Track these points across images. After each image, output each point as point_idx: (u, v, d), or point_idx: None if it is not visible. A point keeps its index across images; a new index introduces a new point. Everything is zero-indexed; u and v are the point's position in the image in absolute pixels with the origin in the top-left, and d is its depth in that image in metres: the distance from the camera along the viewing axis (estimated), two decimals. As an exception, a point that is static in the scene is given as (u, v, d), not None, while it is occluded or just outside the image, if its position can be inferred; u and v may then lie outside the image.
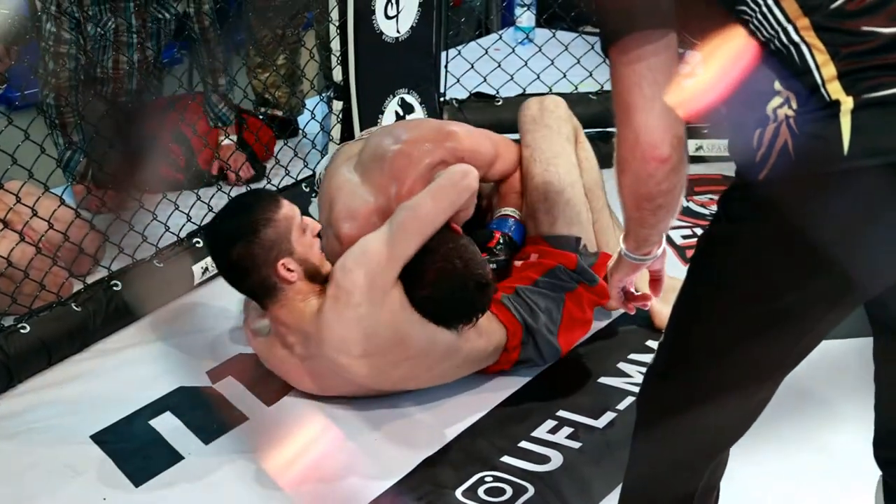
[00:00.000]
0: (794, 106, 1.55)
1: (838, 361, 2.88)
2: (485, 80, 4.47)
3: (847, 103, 1.51)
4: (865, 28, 1.53)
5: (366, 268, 2.71)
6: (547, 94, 3.67)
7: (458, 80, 4.43)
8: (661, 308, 3.04)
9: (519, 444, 2.75)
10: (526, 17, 5.64)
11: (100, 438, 2.81)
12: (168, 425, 2.86)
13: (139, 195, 3.65)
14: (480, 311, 2.80)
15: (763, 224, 1.60)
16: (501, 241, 3.09)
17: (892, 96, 1.50)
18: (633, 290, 2.06)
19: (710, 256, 1.74)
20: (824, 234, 1.54)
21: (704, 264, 1.76)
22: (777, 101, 1.57)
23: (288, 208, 2.81)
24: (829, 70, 1.53)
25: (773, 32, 1.58)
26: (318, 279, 2.82)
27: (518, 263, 3.11)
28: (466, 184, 2.89)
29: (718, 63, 1.62)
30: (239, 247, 2.77)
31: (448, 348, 2.83)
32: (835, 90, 1.52)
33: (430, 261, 2.76)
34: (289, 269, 2.76)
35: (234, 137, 4.21)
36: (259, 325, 2.95)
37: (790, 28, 1.56)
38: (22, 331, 3.05)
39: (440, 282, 2.74)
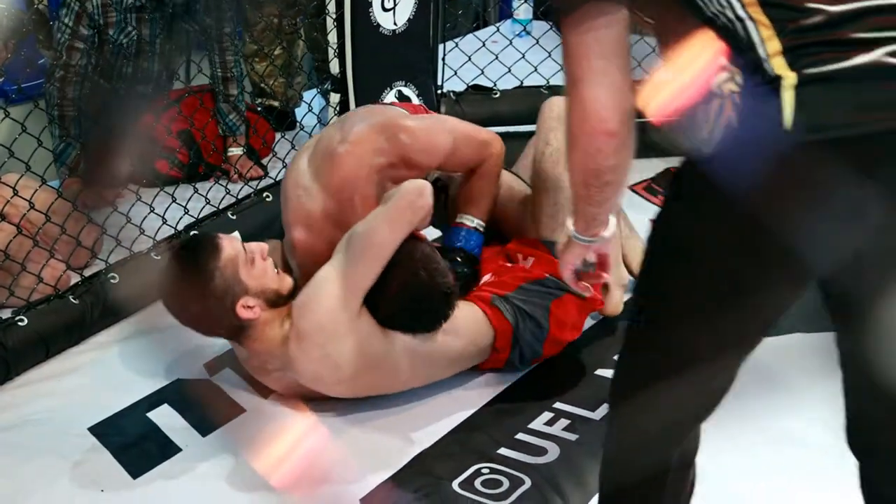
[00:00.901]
0: (739, 81, 1.55)
1: (818, 355, 2.89)
2: (482, 73, 4.47)
3: (790, 79, 1.50)
4: (811, 5, 1.53)
5: (325, 306, 2.68)
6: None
7: (456, 73, 4.43)
8: (614, 292, 3.11)
9: (516, 436, 2.76)
10: (523, 10, 5.64)
11: (97, 431, 2.81)
12: (166, 417, 2.87)
13: (121, 191, 3.66)
14: (444, 319, 2.77)
15: (709, 199, 1.60)
16: (458, 258, 3.02)
17: (835, 72, 1.49)
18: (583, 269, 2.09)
19: (664, 231, 1.75)
20: (767, 209, 1.54)
21: (658, 239, 1.77)
22: (723, 76, 1.57)
23: (229, 248, 2.76)
24: (774, 45, 1.53)
25: (719, 8, 1.58)
26: (282, 301, 2.79)
27: (508, 265, 3.08)
28: (422, 204, 2.79)
29: (687, 68, 1.63)
30: (194, 306, 2.76)
31: (426, 356, 2.83)
32: (778, 65, 1.52)
33: (394, 273, 2.72)
34: (248, 307, 2.74)
35: (243, 149, 4.21)
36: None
37: (736, 3, 1.57)
38: (20, 323, 3.05)
39: (405, 293, 2.71)
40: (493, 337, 2.93)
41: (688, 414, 1.86)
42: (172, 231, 3.57)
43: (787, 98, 1.49)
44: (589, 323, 3.20)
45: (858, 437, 1.88)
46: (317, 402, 2.86)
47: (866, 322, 1.64)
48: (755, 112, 1.53)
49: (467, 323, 2.89)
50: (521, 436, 2.76)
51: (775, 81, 1.51)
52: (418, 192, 2.79)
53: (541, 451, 2.70)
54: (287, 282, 2.83)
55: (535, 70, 4.42)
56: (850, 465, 1.93)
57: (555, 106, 3.22)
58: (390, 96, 4.06)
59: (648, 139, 4.37)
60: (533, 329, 2.95)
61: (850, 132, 1.48)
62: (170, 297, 2.83)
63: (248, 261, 2.77)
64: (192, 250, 2.83)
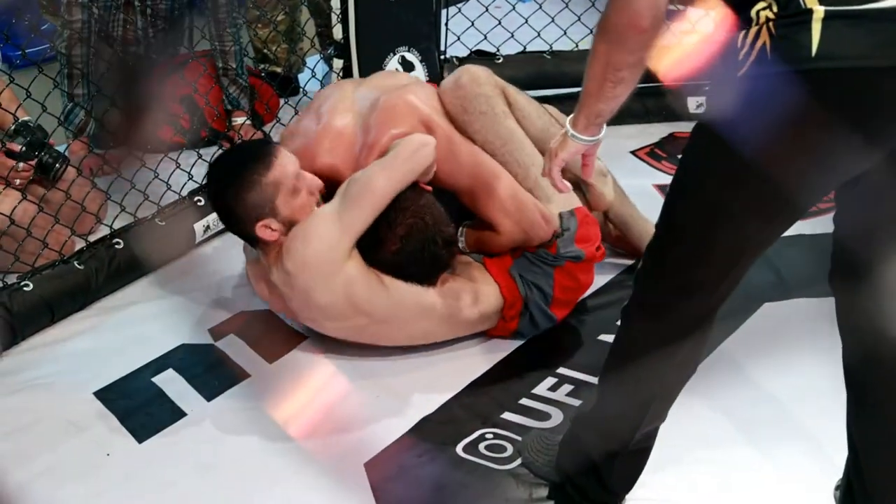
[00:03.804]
0: (775, 10, 1.68)
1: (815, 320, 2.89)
2: (485, 38, 4.45)
3: (819, 13, 1.65)
4: None
5: (313, 247, 2.71)
6: (463, 67, 3.12)
7: (459, 38, 4.41)
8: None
9: (520, 401, 2.77)
10: (527, -25, 5.61)
11: (103, 395, 2.83)
12: (171, 382, 2.88)
13: (140, 154, 3.66)
14: (444, 267, 2.83)
15: (736, 119, 1.74)
16: None
17: (860, 11, 1.64)
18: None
19: (694, 144, 1.94)
20: (792, 128, 1.69)
21: (687, 155, 1.96)
22: (761, 4, 1.70)
23: (278, 172, 2.77)
24: None
25: None
26: None
27: None
28: (423, 154, 2.84)
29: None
30: (223, 202, 2.83)
31: (418, 309, 2.84)
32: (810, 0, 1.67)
33: (401, 217, 2.77)
34: (270, 229, 2.78)
35: (247, 118, 4.21)
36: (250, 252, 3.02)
37: None
38: (25, 289, 3.06)
39: (410, 237, 2.77)
40: (503, 305, 2.95)
41: (662, 376, 2.10)
42: (177, 197, 3.57)
43: (815, 29, 1.64)
44: (592, 290, 3.20)
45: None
46: (318, 366, 2.88)
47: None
48: (785, 39, 1.67)
49: (476, 286, 2.91)
50: (524, 401, 2.78)
51: (807, 14, 1.65)
52: (421, 143, 2.85)
53: (544, 416, 2.71)
54: None
55: (539, 35, 4.40)
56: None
57: (453, 97, 3.03)
58: (393, 61, 4.05)
59: (652, 104, 4.38)
60: (540, 297, 2.96)
61: (866, 63, 1.64)
62: (210, 180, 2.91)
63: (291, 190, 2.79)
64: (250, 152, 2.88)
